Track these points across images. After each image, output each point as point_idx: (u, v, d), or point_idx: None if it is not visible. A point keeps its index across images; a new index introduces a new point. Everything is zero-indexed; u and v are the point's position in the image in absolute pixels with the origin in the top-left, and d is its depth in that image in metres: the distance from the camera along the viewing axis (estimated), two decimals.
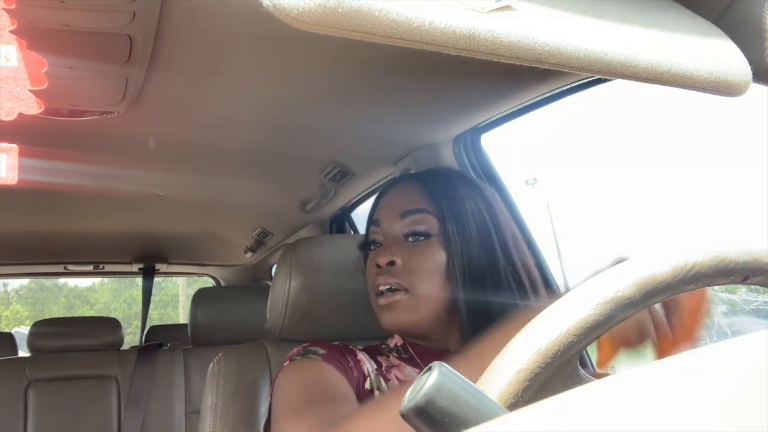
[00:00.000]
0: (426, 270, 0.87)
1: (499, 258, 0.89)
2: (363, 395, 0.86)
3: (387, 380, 0.91)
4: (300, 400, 0.80)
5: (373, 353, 0.95)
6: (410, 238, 0.90)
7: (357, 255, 1.05)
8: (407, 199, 0.93)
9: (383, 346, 0.98)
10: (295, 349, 0.90)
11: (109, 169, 1.67)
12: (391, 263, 0.89)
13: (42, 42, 0.59)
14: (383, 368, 0.92)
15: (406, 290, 0.87)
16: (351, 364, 0.88)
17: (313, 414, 0.76)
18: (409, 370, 0.93)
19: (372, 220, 0.96)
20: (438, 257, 0.88)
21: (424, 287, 0.87)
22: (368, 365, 0.90)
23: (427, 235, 0.89)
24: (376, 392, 0.88)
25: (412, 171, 1.53)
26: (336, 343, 0.94)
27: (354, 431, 0.70)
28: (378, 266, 0.89)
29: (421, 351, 0.93)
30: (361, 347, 0.96)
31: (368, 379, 0.89)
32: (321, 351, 0.88)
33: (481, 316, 0.85)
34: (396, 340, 0.96)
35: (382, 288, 0.88)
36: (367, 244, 0.96)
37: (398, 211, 0.92)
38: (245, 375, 1.12)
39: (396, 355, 0.95)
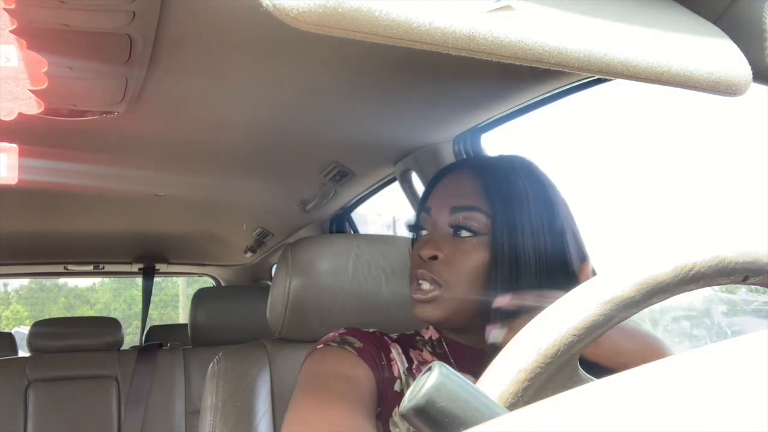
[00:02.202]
0: (467, 268, 0.84)
1: (549, 259, 0.84)
2: (391, 398, 0.85)
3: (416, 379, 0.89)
4: (327, 390, 0.79)
5: (407, 346, 0.92)
6: (458, 233, 0.86)
7: (358, 260, 1.03)
8: (461, 193, 0.88)
9: (418, 337, 0.95)
10: (332, 333, 0.88)
11: (109, 169, 1.68)
12: (434, 257, 0.85)
13: (42, 42, 0.59)
14: (414, 366, 0.90)
15: (442, 286, 0.85)
16: (384, 362, 0.86)
17: (330, 412, 0.76)
18: None
19: (423, 206, 0.92)
20: (482, 257, 0.84)
21: (462, 285, 0.84)
22: (400, 364, 0.88)
23: (476, 233, 0.85)
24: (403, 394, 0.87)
25: (412, 172, 1.53)
26: (372, 330, 0.92)
27: None
28: (419, 257, 0.87)
29: (457, 348, 0.91)
30: (396, 336, 0.94)
31: (398, 381, 0.87)
32: (358, 344, 0.85)
33: (516, 316, 0.82)
34: (431, 333, 0.94)
35: (420, 280, 0.86)
36: (415, 227, 0.93)
37: (450, 203, 0.88)
38: (245, 375, 1.12)
39: (430, 350, 0.92)
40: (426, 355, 0.92)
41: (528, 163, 0.92)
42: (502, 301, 0.81)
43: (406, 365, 0.89)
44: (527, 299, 0.82)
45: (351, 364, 0.83)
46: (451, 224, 0.87)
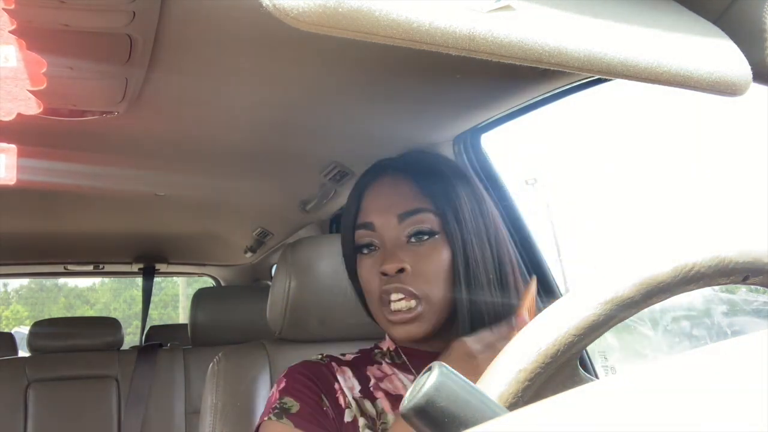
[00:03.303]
0: (437, 272, 0.82)
1: (494, 252, 0.85)
2: (345, 428, 0.84)
3: (374, 399, 0.87)
4: None
5: (364, 364, 0.91)
6: (413, 239, 0.83)
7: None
8: (401, 198, 0.85)
9: (377, 350, 0.94)
10: (273, 397, 0.86)
11: (109, 169, 1.68)
12: (401, 270, 0.81)
13: (42, 42, 0.59)
14: (371, 384, 0.88)
15: (421, 299, 0.81)
16: (326, 406, 0.84)
17: None
18: (401, 377, 0.89)
19: (359, 223, 0.87)
20: (444, 255, 0.82)
21: (437, 293, 0.81)
22: (347, 391, 0.86)
23: (431, 234, 0.83)
24: (360, 419, 0.84)
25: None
26: (320, 359, 0.91)
27: None
28: (384, 274, 0.82)
29: (414, 355, 0.89)
30: (354, 354, 0.93)
31: (347, 410, 0.85)
32: (294, 408, 0.82)
33: (481, 315, 0.82)
34: (388, 344, 0.92)
35: (394, 298, 0.81)
36: (356, 248, 0.87)
37: (395, 212, 0.84)
38: (245, 375, 1.12)
39: (389, 362, 0.91)
40: (385, 367, 0.91)
41: (446, 159, 0.93)
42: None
43: (360, 387, 0.88)
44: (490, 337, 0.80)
45: None
46: (405, 232, 0.84)
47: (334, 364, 0.90)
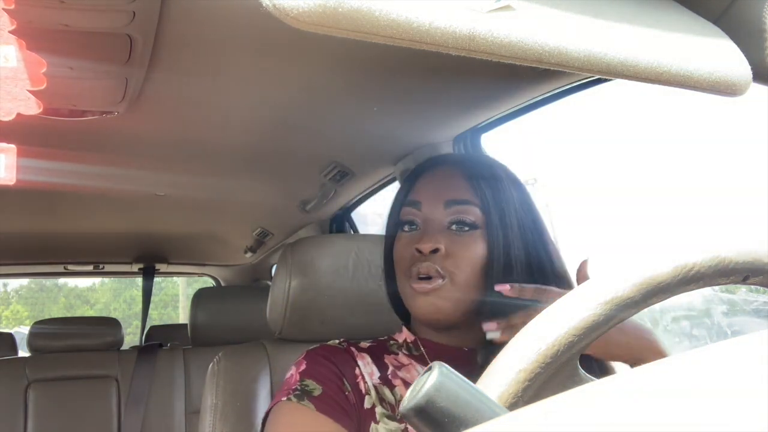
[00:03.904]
0: (468, 260, 0.85)
1: (534, 255, 0.87)
2: (363, 416, 0.84)
3: (393, 387, 0.88)
4: None
5: (380, 352, 0.92)
6: (454, 227, 0.86)
7: (357, 260, 1.02)
8: (452, 187, 0.89)
9: (392, 341, 0.94)
10: (293, 378, 0.86)
11: (109, 169, 1.68)
12: (435, 251, 0.85)
13: (42, 42, 0.59)
14: (389, 372, 0.89)
15: (444, 278, 0.84)
16: (348, 391, 0.85)
17: None
18: (418, 369, 0.90)
19: (408, 201, 0.91)
20: (480, 249, 0.85)
21: (465, 277, 0.84)
22: (368, 378, 0.87)
23: (472, 227, 0.86)
24: (378, 407, 0.85)
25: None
26: (339, 344, 0.91)
27: None
28: (419, 251, 0.86)
29: (434, 348, 0.90)
30: (367, 345, 0.93)
31: (367, 396, 0.86)
32: (317, 392, 0.83)
33: (505, 315, 0.84)
34: (405, 336, 0.93)
35: (422, 275, 0.85)
36: (399, 224, 0.91)
37: (443, 198, 0.88)
38: (245, 375, 1.12)
39: (406, 353, 0.92)
40: (402, 358, 0.91)
41: (505, 167, 0.95)
42: (504, 288, 0.82)
43: (379, 374, 0.88)
44: (526, 292, 0.83)
45: (312, 423, 0.81)
46: (448, 218, 0.87)
47: (353, 349, 0.91)
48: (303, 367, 0.87)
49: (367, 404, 0.85)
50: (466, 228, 0.86)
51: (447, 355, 0.88)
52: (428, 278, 0.84)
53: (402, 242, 0.89)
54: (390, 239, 0.93)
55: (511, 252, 0.85)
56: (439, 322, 0.88)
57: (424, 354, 0.90)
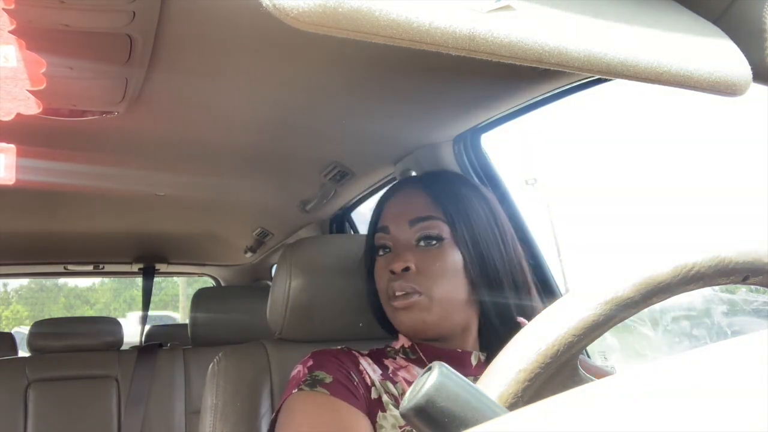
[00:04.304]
0: (441, 272, 0.89)
1: (505, 257, 0.92)
2: (371, 405, 0.86)
3: (395, 383, 0.91)
4: None
5: (379, 357, 0.95)
6: (422, 243, 0.91)
7: (357, 260, 1.05)
8: (414, 206, 0.94)
9: (388, 348, 0.98)
10: (301, 372, 0.89)
11: (109, 169, 1.68)
12: (406, 269, 0.89)
13: (42, 42, 0.59)
14: (390, 371, 0.92)
15: (421, 293, 0.88)
16: (356, 381, 0.88)
17: None
18: (417, 370, 0.93)
19: (378, 227, 0.97)
20: (453, 259, 0.89)
21: (440, 289, 0.88)
22: (372, 373, 0.90)
23: (439, 239, 0.90)
24: (384, 396, 0.88)
25: (413, 171, 1.53)
26: (339, 348, 0.94)
27: None
28: (392, 272, 0.90)
29: (431, 351, 0.93)
30: (366, 351, 0.96)
31: (372, 388, 0.88)
32: (328, 379, 0.86)
33: (498, 315, 0.90)
34: (403, 342, 0.96)
35: (398, 293, 0.89)
36: (373, 250, 0.97)
37: (407, 218, 0.93)
38: (245, 375, 1.12)
39: (403, 357, 0.95)
40: (400, 361, 0.94)
41: (460, 174, 1.03)
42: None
43: (380, 372, 0.91)
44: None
45: (329, 408, 0.82)
46: (414, 236, 0.92)
47: (354, 352, 0.94)
48: (310, 363, 0.90)
49: (374, 395, 0.88)
50: (434, 242, 0.90)
51: (443, 356, 0.92)
52: (405, 294, 0.89)
53: (379, 266, 0.95)
54: (369, 264, 0.98)
55: (485, 255, 0.90)
56: (426, 334, 0.91)
57: (422, 357, 0.94)
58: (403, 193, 0.98)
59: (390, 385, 0.90)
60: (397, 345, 0.97)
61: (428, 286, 0.88)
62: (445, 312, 0.89)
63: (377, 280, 0.95)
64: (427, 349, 0.94)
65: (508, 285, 0.91)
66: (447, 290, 0.88)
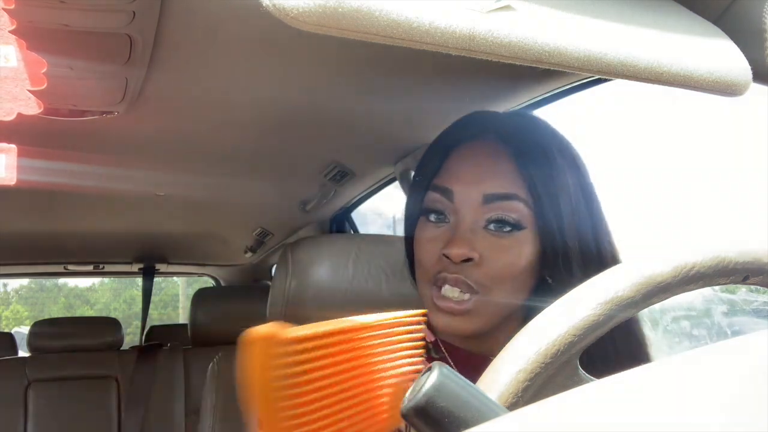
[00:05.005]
0: (508, 268, 0.69)
1: (588, 246, 0.71)
2: None
3: None
4: None
5: None
6: (492, 226, 0.70)
7: (357, 260, 1.00)
8: (494, 175, 0.71)
9: None
10: None
11: (109, 169, 1.68)
12: (468, 260, 0.68)
13: (42, 42, 0.59)
14: None
15: (477, 293, 0.69)
16: None
17: None
18: None
19: (436, 185, 0.73)
20: (524, 254, 0.69)
21: (501, 290, 0.69)
22: None
23: (516, 227, 0.69)
24: None
25: (413, 172, 1.52)
26: None
27: None
28: (446, 256, 0.69)
29: (457, 354, 0.77)
30: None
31: None
32: None
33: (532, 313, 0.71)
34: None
35: (448, 292, 0.70)
36: (423, 211, 0.74)
37: (482, 190, 0.70)
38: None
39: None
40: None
41: (561, 138, 0.75)
42: None
43: None
44: None
45: None
46: (486, 216, 0.70)
47: None
48: None
49: None
50: (508, 228, 0.69)
51: (470, 361, 0.74)
52: (456, 291, 0.70)
53: (426, 235, 0.73)
54: (411, 224, 0.77)
55: (567, 251, 0.69)
56: (463, 342, 0.76)
57: (448, 358, 0.77)
58: (480, 147, 0.73)
59: None
60: None
61: (488, 285, 0.69)
62: (497, 318, 0.71)
63: (421, 252, 0.73)
64: (455, 351, 0.77)
65: (579, 275, 0.69)
66: (508, 291, 0.70)
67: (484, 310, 0.70)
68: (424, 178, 0.75)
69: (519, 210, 0.70)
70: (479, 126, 0.77)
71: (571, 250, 0.70)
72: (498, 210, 0.70)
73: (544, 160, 0.71)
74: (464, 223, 0.71)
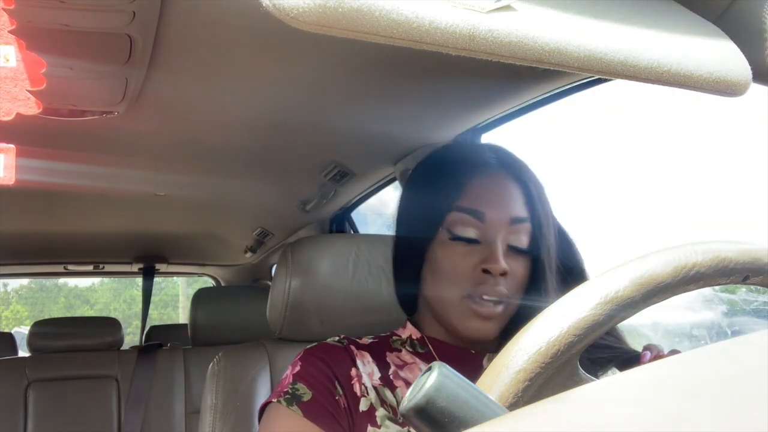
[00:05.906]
0: (523, 281, 0.83)
1: (558, 264, 0.86)
2: (358, 419, 0.81)
3: (394, 389, 0.84)
4: None
5: (382, 350, 0.88)
6: (516, 247, 0.82)
7: (357, 260, 1.02)
8: (513, 201, 0.84)
9: (395, 337, 0.91)
10: (286, 379, 0.84)
11: (109, 169, 1.68)
12: (504, 273, 0.80)
13: (42, 42, 0.59)
14: (391, 372, 0.86)
15: (505, 302, 0.82)
16: (340, 394, 0.82)
17: None
18: (422, 368, 0.86)
19: (466, 208, 0.82)
20: (529, 267, 0.83)
21: (517, 300, 0.83)
22: (366, 378, 0.84)
23: (527, 246, 0.83)
24: (380, 409, 0.82)
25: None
26: (338, 341, 0.89)
27: None
28: (487, 271, 0.80)
29: (443, 349, 0.87)
30: (371, 338, 0.90)
31: (363, 398, 0.83)
32: (306, 396, 0.81)
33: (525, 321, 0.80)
34: (411, 332, 0.90)
35: (488, 298, 0.80)
36: (448, 230, 0.83)
37: (509, 214, 0.82)
38: (245, 375, 1.12)
39: (410, 350, 0.88)
40: (405, 355, 0.88)
41: (536, 174, 0.90)
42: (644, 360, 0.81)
43: (379, 374, 0.85)
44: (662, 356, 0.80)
45: (297, 429, 0.79)
46: (510, 237, 0.82)
47: (352, 347, 0.88)
48: (297, 368, 0.85)
49: (363, 406, 0.83)
50: (521, 248, 0.82)
51: (454, 356, 0.86)
52: (495, 302, 0.80)
53: (458, 253, 0.82)
54: (424, 241, 0.85)
55: (548, 269, 0.84)
56: (484, 343, 0.86)
57: (432, 352, 0.87)
58: (498, 177, 0.85)
59: (388, 393, 0.84)
60: (404, 334, 0.90)
61: (512, 294, 0.82)
62: (507, 322, 0.83)
63: (449, 264, 0.82)
64: (440, 346, 0.87)
65: (553, 294, 0.83)
66: (519, 300, 0.82)
67: (506, 315, 0.82)
68: (445, 200, 0.84)
69: (528, 231, 0.84)
70: (493, 161, 0.88)
71: (549, 271, 0.84)
72: (519, 232, 0.83)
73: (539, 191, 0.86)
74: (493, 240, 0.82)
